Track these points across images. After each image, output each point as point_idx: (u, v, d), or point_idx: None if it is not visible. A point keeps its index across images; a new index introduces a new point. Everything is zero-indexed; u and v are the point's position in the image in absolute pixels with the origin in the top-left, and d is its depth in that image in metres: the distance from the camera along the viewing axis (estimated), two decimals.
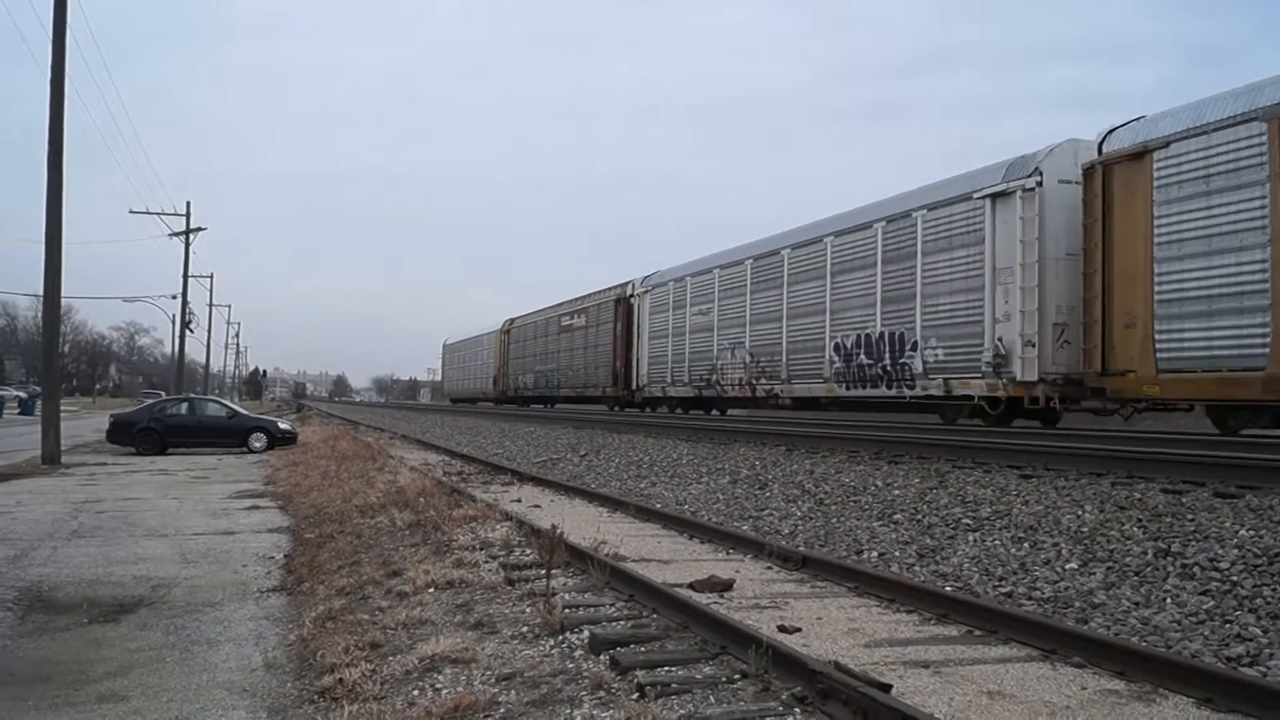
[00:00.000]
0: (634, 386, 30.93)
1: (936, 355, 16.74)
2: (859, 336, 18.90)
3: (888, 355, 17.95)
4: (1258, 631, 5.08)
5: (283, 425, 28.63)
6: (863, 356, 18.73)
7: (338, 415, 56.81)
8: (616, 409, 32.80)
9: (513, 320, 48.58)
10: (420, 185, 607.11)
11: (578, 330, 36.91)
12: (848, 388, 19.32)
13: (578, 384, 36.82)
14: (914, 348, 17.20)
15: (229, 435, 26.80)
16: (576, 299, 38.14)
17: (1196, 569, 6.23)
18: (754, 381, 23.02)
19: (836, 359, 19.59)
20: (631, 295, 31.87)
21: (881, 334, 18.16)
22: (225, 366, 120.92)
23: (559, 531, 6.57)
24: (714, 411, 27.12)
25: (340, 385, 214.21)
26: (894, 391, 17.83)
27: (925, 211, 17.19)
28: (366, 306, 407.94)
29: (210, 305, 75.22)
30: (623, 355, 32.17)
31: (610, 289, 34.36)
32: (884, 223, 18.27)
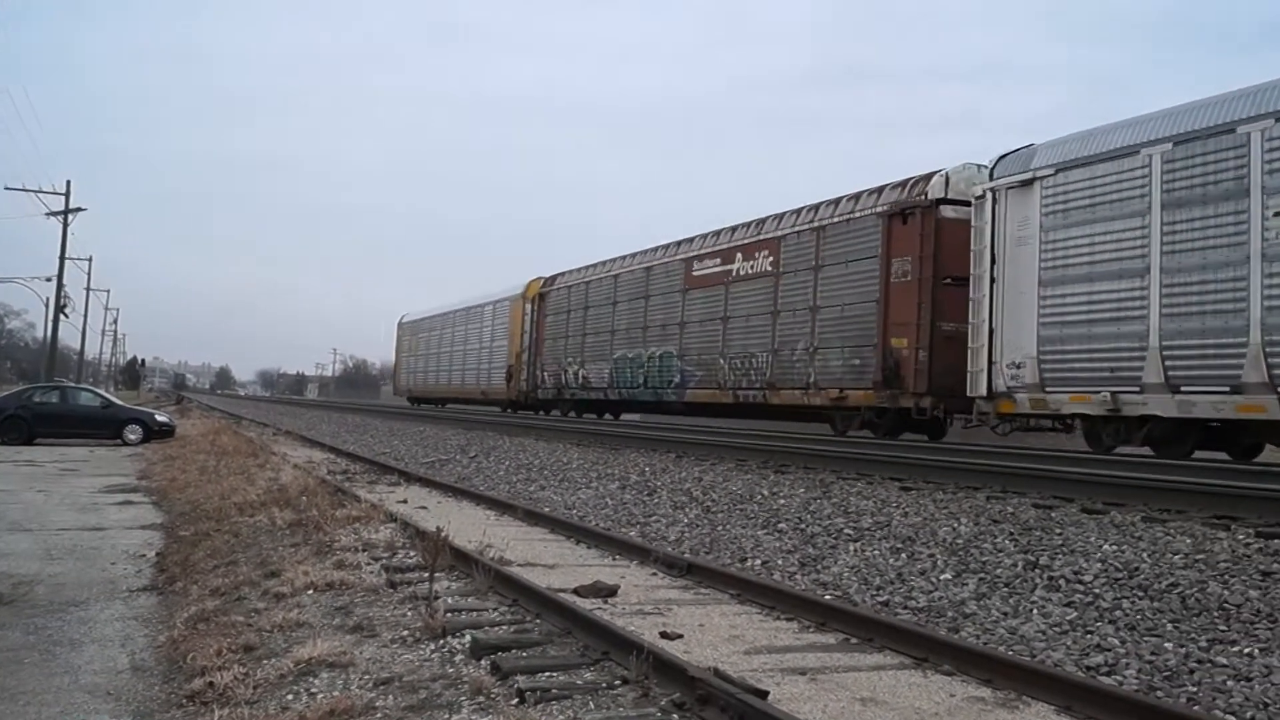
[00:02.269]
0: (985, 389, 14.33)
1: None
2: None
3: None
4: (1116, 642, 5.33)
5: (160, 417, 27.62)
6: None
7: (220, 408, 54.99)
8: (861, 432, 17.64)
9: (548, 280, 32.05)
10: (310, 180, 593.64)
11: (742, 283, 21.00)
12: None
13: (738, 381, 20.81)
14: None
15: (102, 426, 25.73)
16: (738, 226, 22.07)
17: (1062, 581, 6.50)
18: None
19: None
20: (943, 200, 16.12)
21: None
22: (101, 354, 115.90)
23: (444, 534, 6.50)
24: None
25: (223, 378, 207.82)
26: None
27: None
28: (254, 298, 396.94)
29: (88, 289, 72.03)
30: (915, 327, 16.13)
31: (865, 193, 18.01)
32: None
